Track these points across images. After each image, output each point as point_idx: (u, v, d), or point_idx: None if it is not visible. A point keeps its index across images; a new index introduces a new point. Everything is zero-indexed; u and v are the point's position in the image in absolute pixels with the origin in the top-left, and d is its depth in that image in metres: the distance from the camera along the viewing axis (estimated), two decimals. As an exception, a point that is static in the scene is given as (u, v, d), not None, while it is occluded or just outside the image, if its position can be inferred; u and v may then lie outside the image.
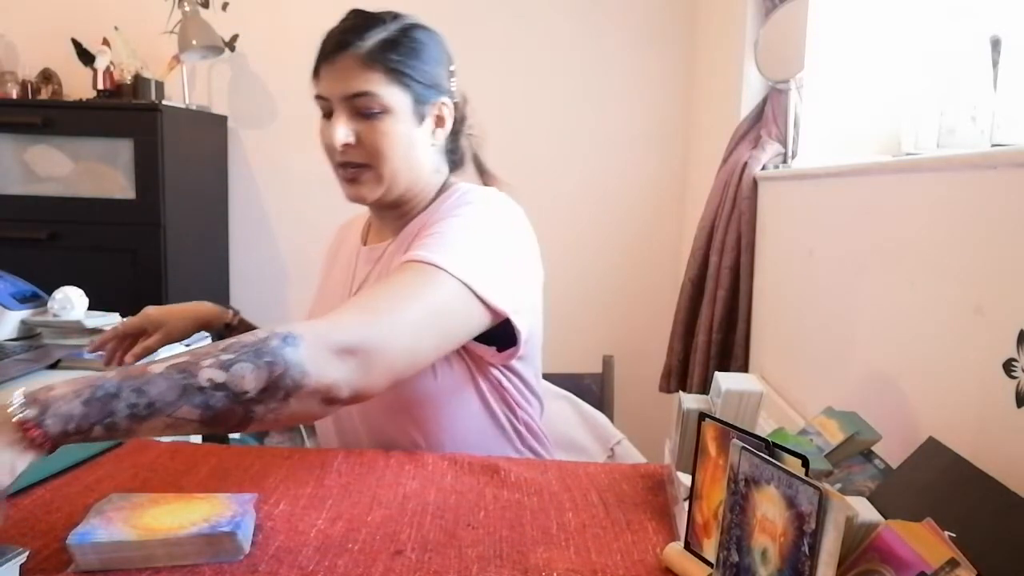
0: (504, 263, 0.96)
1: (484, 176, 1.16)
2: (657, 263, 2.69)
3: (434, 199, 1.06)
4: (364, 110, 0.96)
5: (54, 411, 0.62)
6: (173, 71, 2.57)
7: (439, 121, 1.03)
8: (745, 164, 1.79)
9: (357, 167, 0.99)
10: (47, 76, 2.57)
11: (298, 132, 2.69)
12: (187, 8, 2.50)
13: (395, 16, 0.99)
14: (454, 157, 1.12)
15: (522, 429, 1.10)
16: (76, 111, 2.36)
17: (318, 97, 0.99)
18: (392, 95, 0.96)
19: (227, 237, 2.78)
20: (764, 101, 1.84)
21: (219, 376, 0.67)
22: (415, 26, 1.00)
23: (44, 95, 2.55)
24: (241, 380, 0.67)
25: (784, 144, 1.76)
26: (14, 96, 2.48)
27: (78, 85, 2.58)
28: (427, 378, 1.00)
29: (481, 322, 0.92)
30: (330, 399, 0.74)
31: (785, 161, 1.76)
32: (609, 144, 2.66)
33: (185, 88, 2.59)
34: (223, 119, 2.71)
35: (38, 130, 2.30)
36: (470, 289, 0.88)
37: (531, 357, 1.08)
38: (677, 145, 2.65)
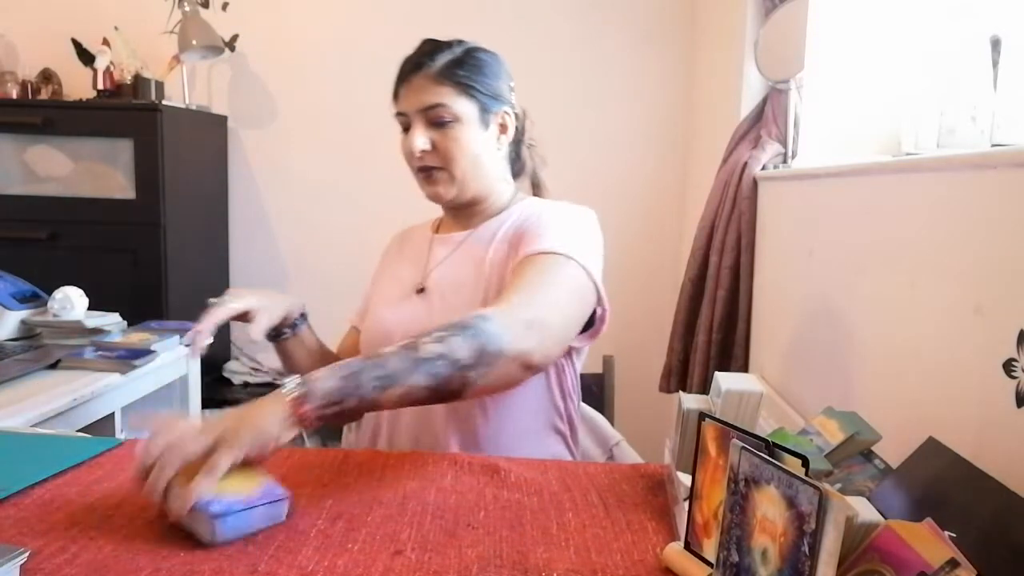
0: (596, 253, 1.09)
1: (537, 189, 1.29)
2: (657, 263, 2.69)
3: (507, 206, 1.18)
4: (437, 120, 1.09)
5: (315, 389, 0.76)
6: (173, 71, 2.57)
7: (502, 128, 1.17)
8: (745, 164, 1.79)
9: (433, 169, 1.12)
10: (47, 76, 2.57)
11: (298, 132, 2.70)
12: (187, 8, 2.50)
13: (460, 42, 1.15)
14: (516, 165, 1.26)
15: (565, 418, 1.16)
16: (76, 111, 2.36)
17: (398, 114, 1.13)
18: (461, 105, 1.10)
19: (227, 237, 2.78)
20: (764, 101, 1.84)
21: (439, 348, 0.82)
22: (477, 48, 1.15)
23: (44, 95, 2.55)
24: (457, 350, 0.82)
25: (784, 144, 1.76)
26: (14, 96, 2.48)
27: (78, 85, 2.58)
28: None
29: (593, 302, 1.06)
30: (527, 364, 0.89)
31: (785, 161, 1.76)
32: (609, 144, 2.66)
33: (185, 88, 2.59)
34: (223, 119, 2.71)
35: (38, 130, 2.30)
36: (587, 271, 1.03)
37: (584, 350, 1.17)
38: (677, 145, 2.65)
